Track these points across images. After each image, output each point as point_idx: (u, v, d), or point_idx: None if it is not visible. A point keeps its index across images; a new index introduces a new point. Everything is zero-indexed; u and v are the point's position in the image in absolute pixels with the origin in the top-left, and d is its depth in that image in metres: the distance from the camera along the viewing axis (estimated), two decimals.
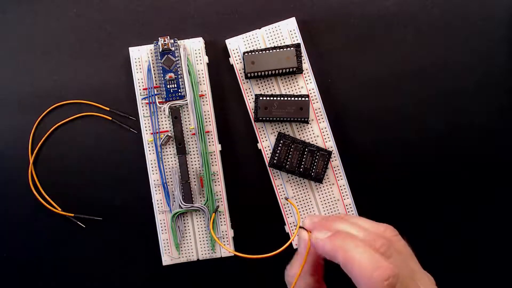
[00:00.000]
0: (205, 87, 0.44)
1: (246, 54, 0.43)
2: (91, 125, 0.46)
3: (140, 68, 0.44)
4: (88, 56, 0.46)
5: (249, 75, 0.43)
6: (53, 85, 0.46)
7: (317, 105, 0.44)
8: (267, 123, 0.45)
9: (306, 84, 0.44)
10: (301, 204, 0.45)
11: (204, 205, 0.45)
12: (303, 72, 0.44)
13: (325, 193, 0.45)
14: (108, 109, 0.46)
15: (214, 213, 0.44)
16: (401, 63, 0.46)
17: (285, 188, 0.45)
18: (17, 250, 0.47)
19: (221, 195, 0.45)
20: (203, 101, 0.44)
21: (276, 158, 0.44)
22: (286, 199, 0.45)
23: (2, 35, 0.46)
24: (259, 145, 0.45)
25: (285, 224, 0.45)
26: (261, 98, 0.43)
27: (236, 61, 0.44)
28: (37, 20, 0.46)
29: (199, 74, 0.44)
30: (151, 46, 0.44)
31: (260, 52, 0.43)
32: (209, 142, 0.45)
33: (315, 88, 0.44)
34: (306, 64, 0.44)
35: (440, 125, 0.46)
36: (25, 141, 0.46)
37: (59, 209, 0.46)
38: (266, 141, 0.45)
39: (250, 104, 0.45)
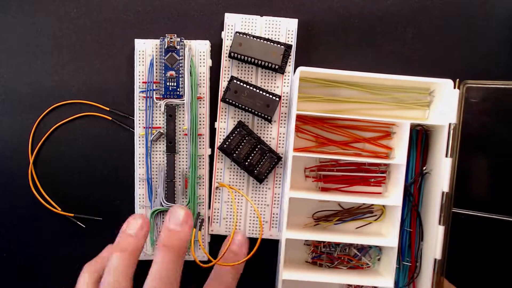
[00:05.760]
0: (205, 90, 0.44)
1: (238, 34, 0.43)
2: (91, 125, 0.46)
3: (143, 61, 0.44)
4: (88, 56, 0.46)
5: (232, 54, 0.43)
6: (53, 85, 0.46)
7: (284, 110, 0.44)
8: (232, 107, 0.44)
9: (283, 86, 0.44)
10: (231, 197, 0.45)
11: (186, 206, 0.44)
12: (284, 74, 0.44)
13: (259, 194, 0.45)
14: (108, 109, 0.46)
15: (194, 228, 0.43)
16: (401, 63, 0.46)
17: (223, 174, 0.45)
18: (17, 250, 0.47)
19: (203, 199, 0.45)
20: (200, 104, 0.44)
21: (227, 143, 0.44)
22: (218, 183, 0.45)
23: (2, 35, 0.46)
24: (216, 124, 0.45)
25: (208, 208, 0.45)
26: (235, 80, 0.43)
27: (227, 37, 0.44)
28: (37, 20, 0.46)
29: (200, 76, 0.44)
30: (157, 41, 0.44)
31: (251, 38, 0.43)
32: (200, 145, 0.44)
33: (289, 92, 0.44)
34: (290, 67, 0.44)
35: None
36: (25, 141, 0.46)
37: (59, 209, 0.46)
38: (223, 122, 0.45)
39: (223, 82, 0.44)
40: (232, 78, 0.43)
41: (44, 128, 0.46)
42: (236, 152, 0.44)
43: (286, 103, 0.44)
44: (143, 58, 0.44)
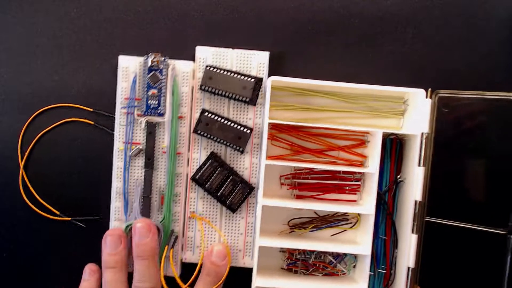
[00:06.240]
0: (186, 110, 0.45)
1: (208, 67, 0.43)
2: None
3: (126, 78, 0.44)
4: (88, 56, 0.46)
5: (203, 87, 0.44)
6: (53, 85, 0.46)
7: (257, 141, 0.45)
8: (204, 138, 0.45)
9: (255, 118, 0.45)
10: (205, 225, 0.46)
11: (161, 222, 0.45)
12: (256, 105, 0.44)
13: (233, 223, 0.46)
14: (91, 109, 0.46)
15: (167, 246, 0.44)
16: (401, 63, 0.46)
17: (196, 203, 0.46)
18: (17, 250, 0.47)
19: (178, 216, 0.45)
20: (181, 123, 0.45)
21: (199, 174, 0.44)
22: (192, 213, 0.45)
23: (2, 35, 0.46)
24: (189, 154, 0.45)
25: (182, 236, 0.46)
26: (206, 113, 0.44)
27: (199, 69, 0.44)
28: (37, 20, 0.46)
29: (183, 96, 0.44)
30: (141, 59, 0.44)
31: (221, 72, 0.43)
32: (179, 163, 0.45)
33: (261, 124, 0.44)
34: (263, 100, 0.44)
35: None
36: (14, 147, 0.46)
37: (57, 212, 0.46)
38: (197, 153, 0.45)
39: (196, 114, 0.45)
40: (203, 111, 0.44)
41: (31, 135, 0.46)
42: (209, 182, 0.44)
43: (258, 135, 0.45)
44: (126, 74, 0.44)
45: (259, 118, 0.45)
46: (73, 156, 0.46)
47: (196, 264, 0.45)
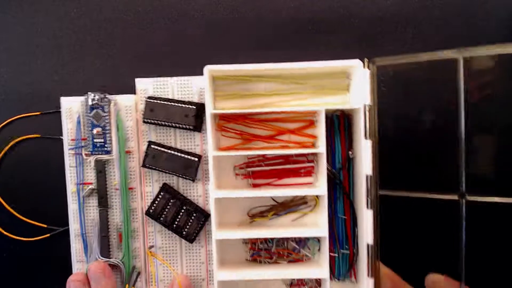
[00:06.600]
0: (133, 144, 0.44)
1: (148, 100, 0.43)
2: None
3: (71, 118, 0.44)
4: (88, 56, 0.46)
5: (146, 120, 0.43)
6: (53, 85, 0.46)
7: (206, 167, 0.44)
8: (155, 170, 0.44)
9: (202, 144, 0.44)
10: (166, 258, 0.45)
11: (121, 260, 0.44)
12: (202, 131, 0.44)
13: (193, 253, 0.45)
14: (39, 113, 0.46)
15: (127, 284, 0.44)
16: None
17: (155, 237, 0.45)
18: (17, 250, 0.47)
19: (139, 252, 0.45)
20: (130, 158, 0.44)
21: (153, 208, 0.44)
22: (151, 247, 0.45)
23: (2, 35, 0.46)
24: (141, 189, 0.45)
25: (145, 272, 0.45)
26: (152, 146, 0.43)
27: (141, 101, 0.44)
28: (37, 20, 0.46)
29: (128, 130, 0.44)
30: (82, 98, 0.44)
31: (162, 102, 0.43)
32: (133, 198, 0.44)
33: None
34: (207, 126, 0.43)
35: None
36: None
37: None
38: (149, 186, 0.45)
39: (143, 147, 0.44)
40: (150, 143, 0.44)
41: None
42: (163, 215, 0.44)
43: (206, 161, 0.44)
44: (70, 115, 0.44)
45: (206, 144, 0.44)
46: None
47: None
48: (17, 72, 0.46)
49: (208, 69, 0.41)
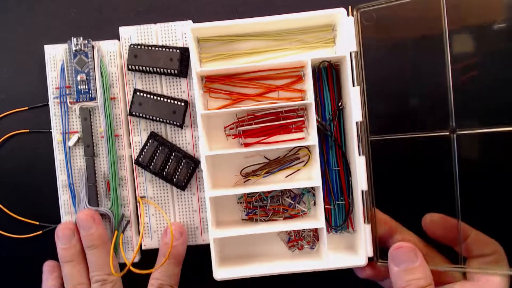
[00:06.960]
0: (118, 90, 0.44)
1: (132, 46, 0.43)
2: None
3: (55, 67, 0.44)
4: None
5: (130, 67, 0.43)
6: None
7: (194, 113, 0.44)
8: (142, 119, 0.44)
9: (189, 90, 0.44)
10: (159, 208, 0.44)
11: (110, 209, 0.44)
12: (187, 77, 0.43)
13: (185, 201, 0.44)
14: (26, 108, 0.46)
15: (116, 231, 0.43)
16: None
17: (146, 187, 0.44)
18: (17, 250, 0.47)
19: (127, 200, 0.44)
20: (114, 104, 0.44)
21: (141, 156, 0.43)
22: (141, 198, 0.44)
23: (2, 35, 0.47)
24: (130, 139, 0.44)
25: (137, 222, 0.45)
26: (138, 93, 0.43)
27: (125, 50, 0.44)
28: (37, 20, 0.46)
29: (112, 76, 0.44)
30: (66, 45, 0.44)
31: (146, 48, 0.42)
32: (119, 146, 0.44)
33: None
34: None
35: None
36: None
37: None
38: (137, 136, 0.44)
39: (129, 96, 0.44)
40: (135, 90, 0.43)
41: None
42: (152, 164, 0.43)
43: (194, 107, 0.43)
44: (54, 63, 0.44)
45: (192, 90, 0.43)
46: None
47: (156, 250, 0.43)
48: (17, 72, 0.46)
49: (191, 28, 0.41)
